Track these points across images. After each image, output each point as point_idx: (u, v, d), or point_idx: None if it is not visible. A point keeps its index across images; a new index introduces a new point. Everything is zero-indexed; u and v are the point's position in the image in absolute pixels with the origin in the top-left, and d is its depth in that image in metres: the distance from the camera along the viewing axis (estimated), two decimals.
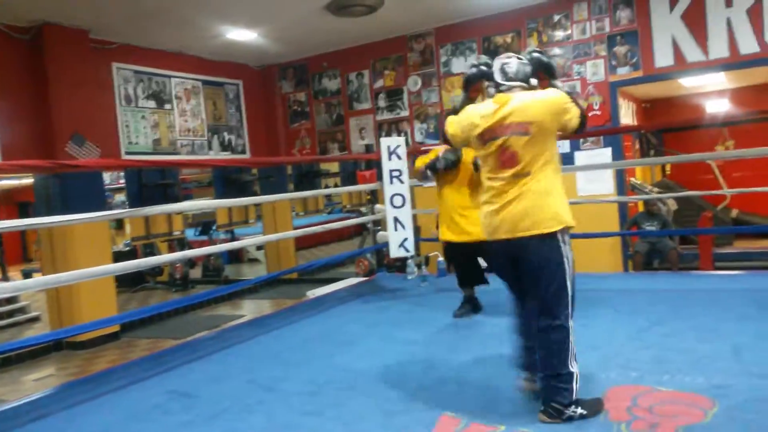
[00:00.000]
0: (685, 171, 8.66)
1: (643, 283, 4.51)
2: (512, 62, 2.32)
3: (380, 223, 5.38)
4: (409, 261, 5.02)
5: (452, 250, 3.86)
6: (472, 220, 3.54)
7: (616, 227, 6.03)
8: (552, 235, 2.18)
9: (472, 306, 3.81)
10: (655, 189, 7.46)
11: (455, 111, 2.57)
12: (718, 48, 5.50)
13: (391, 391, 2.58)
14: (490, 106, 2.30)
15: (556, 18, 6.27)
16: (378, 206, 5.33)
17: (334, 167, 10.36)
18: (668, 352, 2.75)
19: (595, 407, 2.18)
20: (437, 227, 3.99)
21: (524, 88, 2.31)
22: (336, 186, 10.64)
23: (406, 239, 4.66)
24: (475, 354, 2.98)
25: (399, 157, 4.76)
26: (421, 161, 3.86)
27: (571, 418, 2.12)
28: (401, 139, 4.83)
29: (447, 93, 6.98)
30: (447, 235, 3.79)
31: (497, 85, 2.33)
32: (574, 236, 2.36)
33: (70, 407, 2.76)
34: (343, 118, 7.75)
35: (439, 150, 3.78)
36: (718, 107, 9.65)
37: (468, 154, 3.65)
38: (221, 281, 8.99)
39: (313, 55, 7.79)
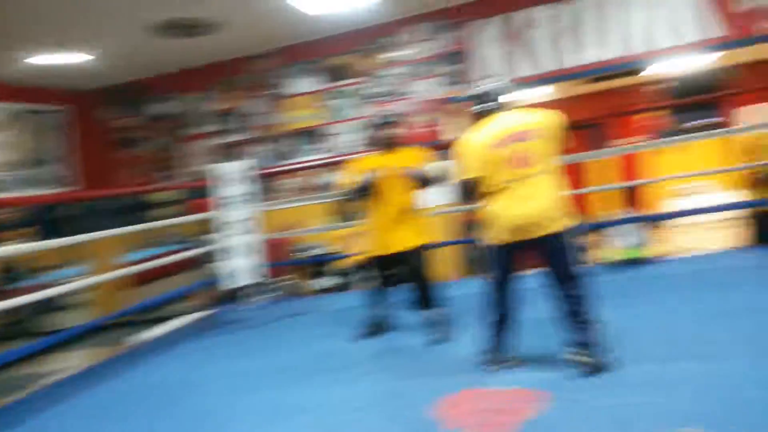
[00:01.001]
0: None
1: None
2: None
3: (223, 252, 5.03)
4: (254, 289, 4.74)
5: (375, 265, 3.60)
6: (403, 230, 3.39)
7: (441, 237, 6.18)
8: None
9: (381, 324, 3.60)
10: None
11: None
12: (544, 62, 5.89)
13: None
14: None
15: (395, 39, 6.40)
16: (219, 234, 4.98)
17: (171, 196, 9.71)
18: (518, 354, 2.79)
19: None
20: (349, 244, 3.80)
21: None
22: (173, 216, 9.96)
23: (251, 266, 4.41)
24: (328, 378, 2.84)
25: (241, 182, 4.52)
26: (349, 177, 3.54)
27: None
28: (243, 163, 4.60)
29: (289, 114, 6.82)
30: (372, 249, 3.53)
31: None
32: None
33: None
34: (180, 142, 7.27)
35: (362, 163, 3.54)
36: None
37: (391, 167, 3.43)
38: (35, 333, 7.88)
39: (146, 77, 7.27)
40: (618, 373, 2.39)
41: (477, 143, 2.67)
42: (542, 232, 2.52)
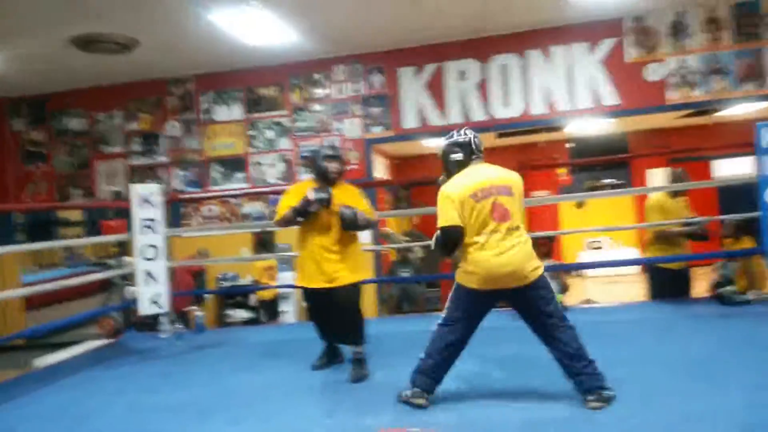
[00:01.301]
0: (430, 221, 9.58)
1: (395, 327, 4.71)
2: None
3: (129, 278, 4.88)
4: (162, 318, 4.62)
5: (306, 296, 3.50)
6: (333, 265, 3.31)
7: (371, 274, 6.35)
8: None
9: (332, 355, 3.54)
10: (405, 238, 8.09)
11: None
12: (455, 114, 6.27)
13: None
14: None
15: (316, 77, 6.56)
16: (127, 259, 4.84)
17: (76, 215, 9.25)
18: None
19: None
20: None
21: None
22: (79, 237, 9.48)
23: (159, 294, 4.30)
24: (235, 415, 2.79)
25: (153, 205, 4.42)
26: (286, 204, 3.41)
27: None
28: (156, 187, 4.51)
29: (209, 140, 6.77)
30: (302, 280, 3.42)
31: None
32: None
33: None
34: (89, 161, 7.01)
35: (304, 188, 3.40)
36: None
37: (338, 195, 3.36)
38: None
39: (55, 91, 6.97)
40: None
41: (461, 192, 2.68)
42: (524, 282, 2.62)
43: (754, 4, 5.78)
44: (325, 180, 3.41)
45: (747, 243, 4.49)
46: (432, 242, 2.85)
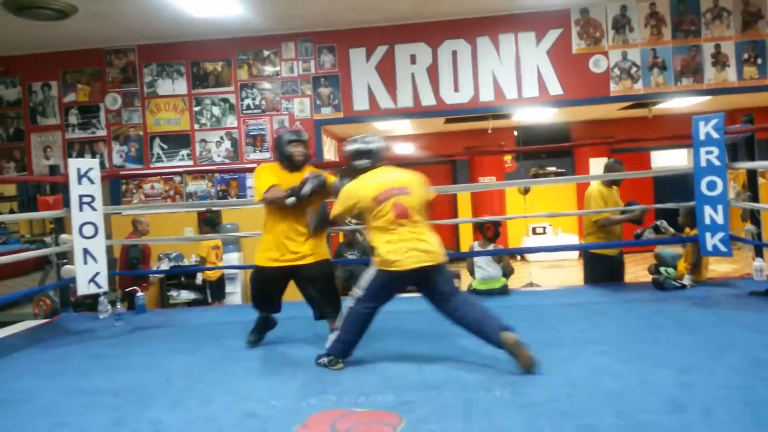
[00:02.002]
0: None
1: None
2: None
3: (66, 256, 4.71)
4: (102, 298, 4.49)
5: (267, 275, 3.45)
6: (305, 244, 3.37)
7: None
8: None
9: (265, 327, 3.56)
10: (354, 220, 8.08)
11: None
12: (405, 98, 6.29)
13: None
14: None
15: (266, 53, 6.43)
16: (64, 236, 4.65)
17: (9, 190, 8.84)
18: (364, 373, 2.93)
19: None
20: None
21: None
22: (12, 212, 9.08)
23: (97, 273, 4.16)
24: (175, 399, 2.75)
25: (91, 181, 4.26)
26: (267, 182, 3.32)
27: None
28: (95, 161, 4.35)
29: (151, 114, 6.55)
30: (268, 259, 3.39)
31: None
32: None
33: None
34: (24, 133, 6.68)
35: (275, 169, 3.43)
36: (404, 149, 11.09)
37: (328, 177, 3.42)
38: None
39: None
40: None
41: (362, 193, 3.03)
42: (433, 261, 2.96)
43: (693, 2, 6.01)
44: (291, 165, 3.41)
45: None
46: (316, 219, 3.32)
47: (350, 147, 3.19)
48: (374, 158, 3.16)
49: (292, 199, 3.27)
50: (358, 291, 3.05)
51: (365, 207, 3.03)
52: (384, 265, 2.98)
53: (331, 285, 3.50)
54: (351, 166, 3.19)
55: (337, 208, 3.12)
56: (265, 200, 3.34)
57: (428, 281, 3.01)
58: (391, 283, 3.02)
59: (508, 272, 4.77)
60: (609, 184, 4.83)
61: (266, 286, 3.50)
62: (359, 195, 3.05)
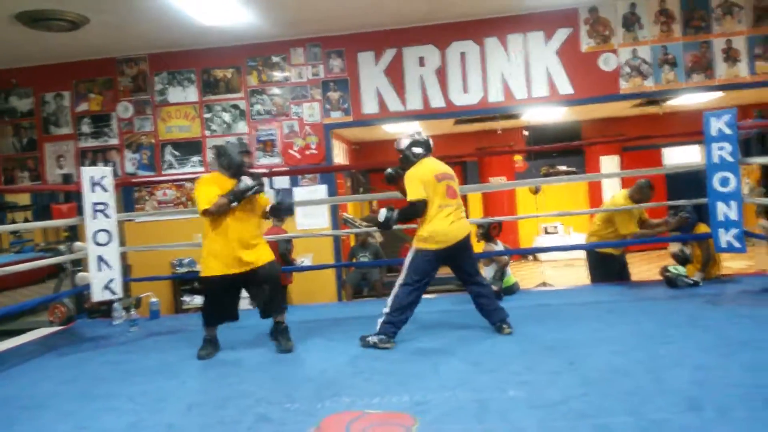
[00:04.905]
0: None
1: (355, 311, 4.76)
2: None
3: (81, 263, 4.75)
4: (116, 304, 4.53)
5: (218, 284, 3.55)
6: (254, 251, 3.54)
7: (331, 259, 6.36)
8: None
9: (215, 344, 3.64)
10: (364, 223, 8.10)
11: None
12: (414, 100, 6.29)
13: None
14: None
15: (275, 59, 6.46)
16: (78, 244, 4.71)
17: (24, 199, 8.95)
18: (378, 375, 2.93)
19: None
20: None
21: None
22: (26, 221, 9.18)
23: (112, 280, 4.21)
24: (190, 401, 2.77)
25: (105, 189, 4.31)
26: (212, 193, 3.47)
27: None
28: (108, 170, 4.40)
29: (163, 122, 6.60)
30: (218, 268, 3.51)
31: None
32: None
33: None
34: (37, 143, 6.76)
35: (218, 179, 3.59)
36: None
37: None
38: None
39: (2, 69, 6.68)
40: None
41: (427, 174, 3.50)
42: (468, 231, 3.58)
43: None
44: (238, 174, 3.59)
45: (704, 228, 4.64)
46: (384, 215, 3.59)
47: (406, 140, 3.64)
48: (427, 148, 3.65)
49: (233, 199, 3.47)
50: (401, 275, 3.47)
51: (429, 182, 3.48)
52: (428, 243, 3.44)
53: (277, 285, 3.65)
54: (408, 154, 3.62)
55: (411, 190, 3.49)
56: (212, 212, 3.49)
57: (462, 255, 3.54)
58: (434, 259, 3.47)
59: (502, 266, 4.71)
60: (638, 200, 4.81)
61: (222, 296, 3.61)
62: (424, 173, 3.51)
